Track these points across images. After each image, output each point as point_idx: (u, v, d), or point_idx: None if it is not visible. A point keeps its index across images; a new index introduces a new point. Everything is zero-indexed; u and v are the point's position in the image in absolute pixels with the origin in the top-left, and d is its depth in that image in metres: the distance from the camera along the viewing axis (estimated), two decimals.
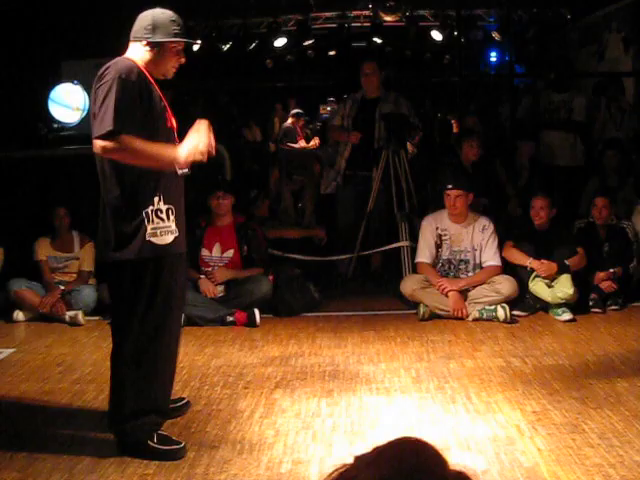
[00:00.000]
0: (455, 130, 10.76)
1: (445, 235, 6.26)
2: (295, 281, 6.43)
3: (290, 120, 12.19)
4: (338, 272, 7.38)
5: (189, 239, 4.04)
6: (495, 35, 12.37)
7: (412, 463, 1.16)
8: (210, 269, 6.19)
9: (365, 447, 1.23)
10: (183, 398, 4.17)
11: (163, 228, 3.53)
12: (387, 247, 7.04)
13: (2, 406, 4.34)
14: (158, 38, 3.57)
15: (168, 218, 3.54)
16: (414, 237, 6.60)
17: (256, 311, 5.92)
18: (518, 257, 6.19)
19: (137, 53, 3.60)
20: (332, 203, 7.73)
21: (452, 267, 6.26)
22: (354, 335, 5.63)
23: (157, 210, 3.50)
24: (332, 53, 14.46)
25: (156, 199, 3.50)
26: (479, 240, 6.20)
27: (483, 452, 3.50)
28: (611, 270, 6.26)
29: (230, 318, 5.91)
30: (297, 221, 7.52)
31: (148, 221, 3.48)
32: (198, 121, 3.60)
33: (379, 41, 13.28)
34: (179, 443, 3.60)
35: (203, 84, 11.37)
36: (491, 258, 6.16)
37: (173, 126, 3.70)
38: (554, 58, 11.07)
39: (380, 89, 7.38)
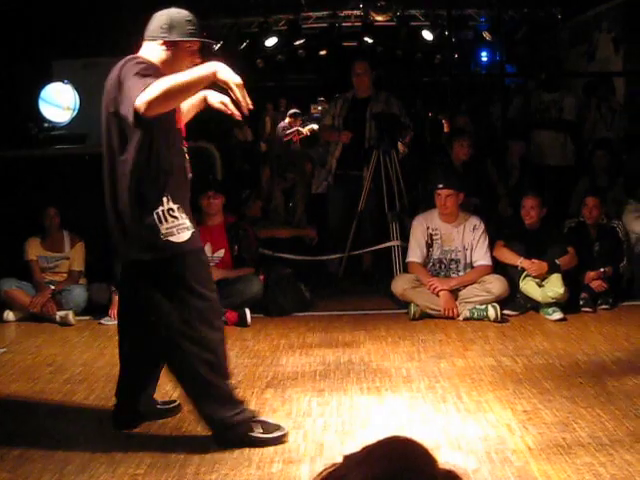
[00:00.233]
0: (446, 130, 10.76)
1: (436, 235, 6.26)
2: (286, 281, 6.43)
3: (287, 120, 12.19)
4: (329, 272, 7.38)
5: None
6: (486, 35, 12.39)
7: (401, 462, 1.16)
8: None
9: (356, 447, 1.23)
10: (174, 401, 4.16)
11: (179, 226, 3.52)
12: (378, 247, 7.04)
13: None
14: (174, 37, 3.55)
15: (181, 216, 3.54)
16: (405, 237, 6.61)
17: (247, 311, 5.92)
18: (509, 256, 6.20)
19: (152, 52, 3.56)
20: (323, 203, 7.74)
21: (443, 267, 6.27)
22: (345, 335, 5.63)
23: (169, 210, 3.49)
24: (323, 53, 14.46)
25: (165, 199, 3.49)
26: (470, 240, 6.21)
27: (474, 451, 3.51)
28: (601, 269, 6.28)
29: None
30: (288, 220, 7.52)
31: (160, 221, 3.47)
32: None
33: (370, 41, 13.29)
34: (280, 427, 3.69)
35: None
36: (482, 258, 6.18)
37: (182, 128, 3.70)
38: (545, 58, 11.09)
39: (371, 89, 7.38)
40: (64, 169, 6.79)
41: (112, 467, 3.43)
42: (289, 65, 14.38)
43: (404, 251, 6.52)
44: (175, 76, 3.30)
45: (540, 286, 6.01)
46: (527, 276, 6.07)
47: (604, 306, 6.19)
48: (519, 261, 6.11)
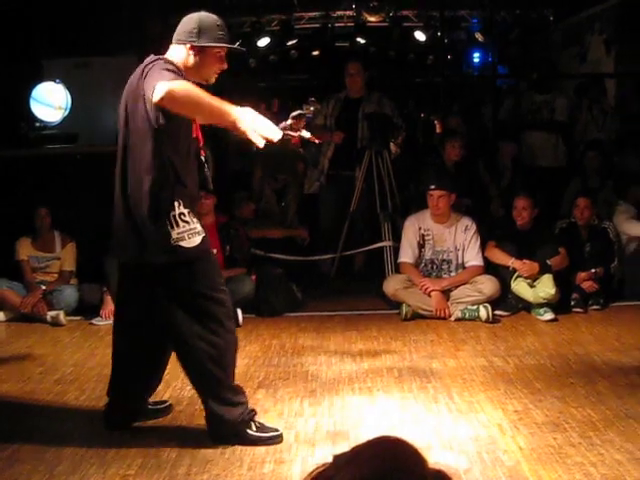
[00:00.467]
0: (438, 130, 10.75)
1: (428, 235, 6.27)
2: (277, 281, 6.42)
3: (290, 121, 12.15)
4: (321, 272, 7.38)
5: None
6: (478, 36, 12.39)
7: (391, 462, 1.16)
8: None
9: (348, 447, 1.23)
10: (165, 401, 4.16)
11: (190, 231, 3.52)
12: (370, 247, 7.05)
13: None
14: (203, 42, 3.53)
15: (192, 220, 3.54)
16: (397, 237, 6.61)
17: (238, 311, 5.90)
18: (500, 257, 6.21)
19: (179, 56, 3.54)
20: (315, 203, 7.73)
21: (435, 267, 6.28)
22: (337, 335, 5.63)
23: (180, 214, 3.49)
24: (315, 53, 14.43)
25: (176, 204, 3.48)
26: (461, 240, 6.22)
27: (465, 451, 3.51)
28: (592, 270, 6.30)
29: None
30: (279, 221, 7.51)
31: (172, 226, 3.47)
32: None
33: (363, 41, 13.28)
34: (276, 430, 3.70)
35: None
36: (473, 258, 6.19)
37: (199, 136, 3.68)
38: (537, 59, 11.10)
39: (364, 89, 7.39)
40: (55, 169, 6.77)
41: (103, 468, 3.42)
42: (282, 65, 14.35)
43: (396, 251, 6.53)
44: (204, 93, 3.30)
45: (531, 287, 6.03)
46: (518, 277, 6.08)
47: (595, 307, 6.21)
48: (510, 262, 6.12)
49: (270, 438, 3.65)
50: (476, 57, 13.56)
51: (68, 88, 7.23)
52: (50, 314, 6.08)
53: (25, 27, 7.69)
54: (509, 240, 6.27)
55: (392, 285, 6.18)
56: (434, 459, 3.22)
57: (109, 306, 6.01)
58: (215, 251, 6.13)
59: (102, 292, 6.15)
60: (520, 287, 6.06)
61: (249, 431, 3.64)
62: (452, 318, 5.95)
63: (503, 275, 6.13)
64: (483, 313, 5.87)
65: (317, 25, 12.99)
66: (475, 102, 11.20)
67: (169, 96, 3.22)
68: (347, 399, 4.26)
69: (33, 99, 7.17)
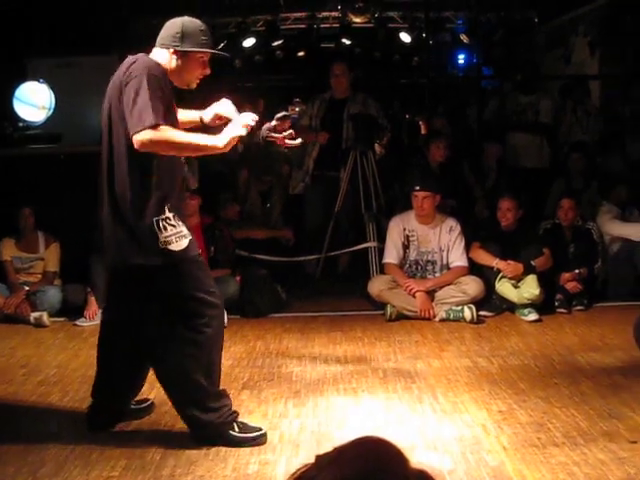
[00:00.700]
0: (423, 131, 10.78)
1: (412, 236, 6.28)
2: (262, 282, 6.41)
3: (274, 123, 12.10)
4: (306, 273, 7.37)
5: None
6: (463, 37, 12.42)
7: (373, 462, 1.16)
8: None
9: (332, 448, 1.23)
10: (148, 399, 4.14)
11: (177, 234, 3.52)
12: (355, 248, 7.05)
13: None
14: (186, 47, 3.53)
15: (178, 223, 3.53)
16: (382, 238, 6.62)
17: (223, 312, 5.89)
18: (485, 258, 6.23)
19: (162, 59, 3.54)
20: (300, 203, 7.72)
21: (419, 268, 6.29)
22: (321, 336, 5.63)
23: (166, 218, 3.48)
24: (301, 54, 14.42)
25: (161, 208, 3.48)
26: (446, 241, 6.23)
27: (449, 452, 3.52)
28: (576, 271, 6.32)
29: None
30: (264, 221, 7.50)
31: (160, 229, 3.46)
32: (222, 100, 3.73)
33: (348, 42, 13.29)
34: (259, 429, 3.69)
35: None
36: (458, 259, 6.20)
37: None
38: (521, 61, 11.15)
39: (349, 90, 7.39)
40: (39, 169, 6.73)
41: (87, 469, 3.40)
42: (267, 66, 14.33)
43: (381, 252, 6.53)
44: (185, 135, 3.39)
45: (516, 287, 6.05)
46: (503, 277, 6.10)
47: (579, 307, 6.24)
48: (495, 262, 6.14)
49: (254, 438, 3.64)
50: (461, 58, 13.59)
51: (52, 88, 7.20)
52: (33, 315, 6.04)
53: (8, 27, 7.65)
54: (493, 241, 6.29)
55: (377, 286, 6.18)
56: (418, 459, 3.23)
57: (93, 307, 5.98)
58: (200, 252, 6.15)
59: (86, 293, 6.12)
60: (504, 288, 6.08)
61: (232, 432, 3.63)
62: (436, 319, 5.96)
63: (487, 276, 6.15)
64: (467, 314, 5.89)
65: (303, 26, 12.99)
66: (460, 103, 11.23)
67: (150, 144, 3.31)
68: (332, 400, 4.26)
69: (16, 99, 7.14)
